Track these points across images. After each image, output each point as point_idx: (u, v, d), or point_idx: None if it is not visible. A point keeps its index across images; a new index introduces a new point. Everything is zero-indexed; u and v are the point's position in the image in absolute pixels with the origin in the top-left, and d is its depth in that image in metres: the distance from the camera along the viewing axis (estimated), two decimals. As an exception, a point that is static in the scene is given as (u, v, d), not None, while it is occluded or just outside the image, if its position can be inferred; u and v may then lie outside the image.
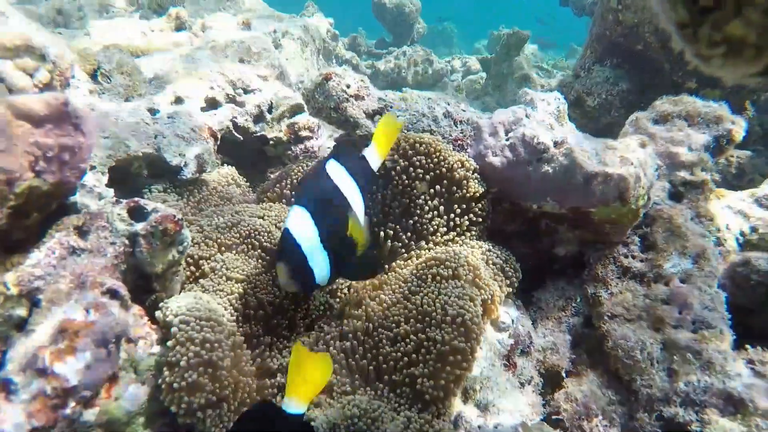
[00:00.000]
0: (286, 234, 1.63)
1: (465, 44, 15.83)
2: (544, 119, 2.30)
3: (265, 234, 2.10)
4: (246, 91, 2.89)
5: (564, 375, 2.28)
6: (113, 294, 1.43)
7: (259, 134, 2.84)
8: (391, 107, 2.36)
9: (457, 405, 1.92)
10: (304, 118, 2.85)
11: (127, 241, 1.63)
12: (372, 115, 2.37)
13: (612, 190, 2.08)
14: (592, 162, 2.08)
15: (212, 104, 2.77)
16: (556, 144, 2.16)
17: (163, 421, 1.68)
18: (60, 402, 1.25)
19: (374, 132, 2.06)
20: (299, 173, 2.40)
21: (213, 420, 1.65)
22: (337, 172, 1.83)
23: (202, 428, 1.69)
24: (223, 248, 2.07)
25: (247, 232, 2.09)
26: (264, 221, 2.14)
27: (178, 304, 1.64)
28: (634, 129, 2.62)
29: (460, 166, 2.21)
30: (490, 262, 2.19)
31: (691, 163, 2.50)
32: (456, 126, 2.34)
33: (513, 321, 2.22)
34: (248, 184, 2.70)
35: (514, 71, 8.90)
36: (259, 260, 2.06)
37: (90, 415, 1.49)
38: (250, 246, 2.09)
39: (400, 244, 2.23)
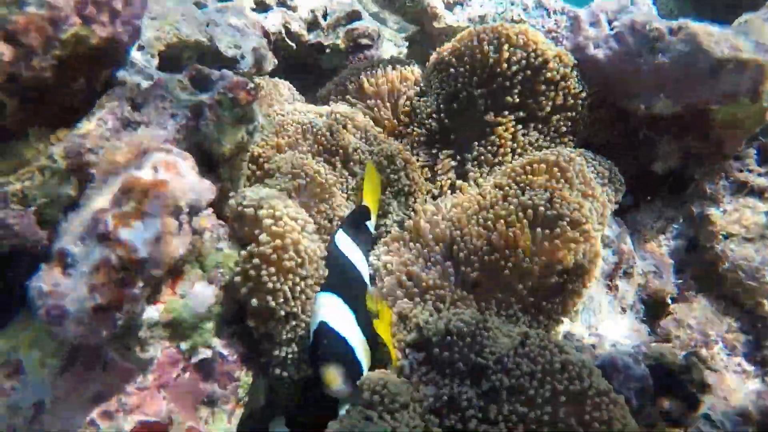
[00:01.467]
0: (326, 329, 1.35)
1: None
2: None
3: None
4: (298, -6, 2.59)
5: (670, 301, 2.01)
6: (182, 158, 1.17)
7: (314, 42, 2.55)
8: (474, -5, 2.06)
9: (565, 323, 1.66)
10: (364, 24, 2.55)
11: (190, 114, 1.37)
12: (452, 6, 2.07)
13: (745, 80, 1.77)
14: (720, 47, 1.77)
15: (262, 6, 2.48)
16: (672, 31, 1.85)
17: (233, 330, 1.44)
18: (127, 277, 1.00)
19: (363, 188, 1.82)
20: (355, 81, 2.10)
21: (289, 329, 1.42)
22: (346, 245, 1.61)
23: (278, 340, 1.45)
24: (284, 148, 1.81)
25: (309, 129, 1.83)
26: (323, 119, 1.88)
27: (256, 192, 1.38)
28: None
29: (558, 62, 1.90)
30: (595, 171, 1.90)
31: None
32: (549, 16, 2.03)
33: (616, 237, 1.94)
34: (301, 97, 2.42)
35: None
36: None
37: (154, 311, 1.25)
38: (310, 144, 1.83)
39: (473, 157, 1.94)
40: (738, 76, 1.77)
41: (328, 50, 2.55)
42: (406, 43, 2.39)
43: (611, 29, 1.92)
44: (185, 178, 1.07)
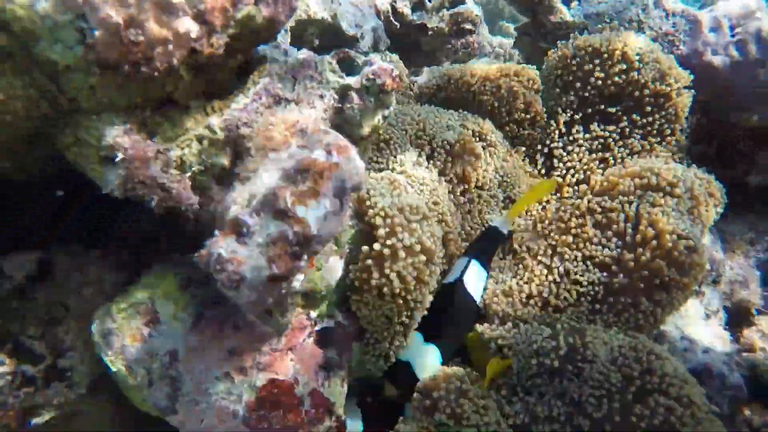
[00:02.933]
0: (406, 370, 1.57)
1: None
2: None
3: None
4: (404, -27, 2.63)
5: (755, 312, 2.04)
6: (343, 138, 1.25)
7: (417, 23, 2.59)
8: (592, -8, 2.07)
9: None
10: (468, 8, 2.58)
11: (336, 96, 1.44)
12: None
13: None
14: None
15: (370, -16, 2.52)
16: (796, 45, 1.85)
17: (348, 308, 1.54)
18: (299, 250, 1.09)
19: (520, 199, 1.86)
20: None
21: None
22: (473, 280, 1.67)
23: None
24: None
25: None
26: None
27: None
28: None
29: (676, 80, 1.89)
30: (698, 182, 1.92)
31: None
32: (668, 18, 2.03)
33: (710, 245, 1.97)
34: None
35: None
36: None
37: (297, 281, 1.34)
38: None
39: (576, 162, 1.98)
40: None
41: (430, 32, 2.59)
42: (514, 34, 2.41)
43: (733, 35, 1.92)
44: (354, 162, 1.14)
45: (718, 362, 1.64)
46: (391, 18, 2.54)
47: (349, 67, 1.48)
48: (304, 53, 1.56)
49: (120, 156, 1.25)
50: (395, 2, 2.53)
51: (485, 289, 1.71)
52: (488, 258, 1.72)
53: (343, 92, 1.44)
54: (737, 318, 2.05)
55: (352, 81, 1.43)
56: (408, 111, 1.89)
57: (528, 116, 1.98)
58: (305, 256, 1.12)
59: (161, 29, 1.14)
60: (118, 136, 1.25)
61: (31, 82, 1.21)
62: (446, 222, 1.70)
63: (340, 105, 1.45)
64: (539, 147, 2.03)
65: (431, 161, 1.82)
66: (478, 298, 1.67)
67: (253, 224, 1.10)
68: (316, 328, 1.47)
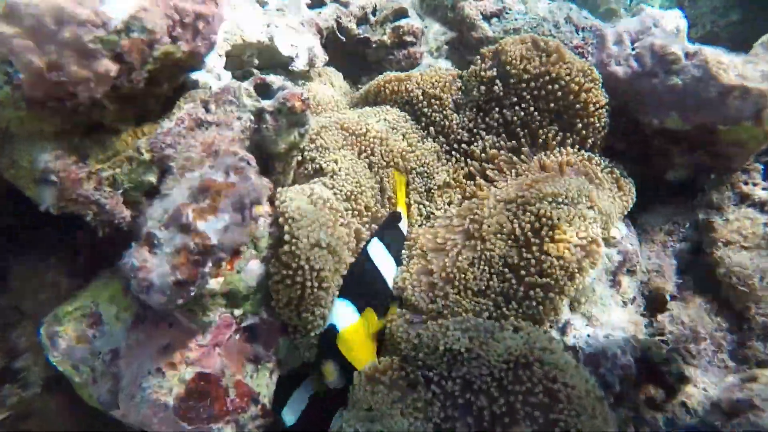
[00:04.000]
0: (332, 332, 1.68)
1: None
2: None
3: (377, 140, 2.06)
4: (350, -9, 2.80)
5: (669, 298, 2.21)
6: (244, 160, 1.42)
7: (362, 36, 2.76)
8: (510, 10, 2.24)
9: (566, 313, 1.88)
10: (409, 23, 2.75)
11: (252, 117, 1.61)
12: (489, 17, 2.26)
13: (749, 106, 1.94)
14: (728, 75, 1.94)
15: (317, 2, 2.69)
16: (687, 55, 2.02)
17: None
18: (200, 259, 1.26)
19: (395, 194, 2.07)
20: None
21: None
22: (379, 253, 1.85)
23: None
24: (333, 147, 2.03)
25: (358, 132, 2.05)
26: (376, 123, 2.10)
27: (292, 198, 1.63)
28: (766, 50, 2.42)
29: (583, 75, 2.09)
30: (609, 176, 2.09)
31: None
32: (578, 33, 2.21)
33: (623, 238, 2.14)
34: (347, 86, 2.65)
35: (599, 4, 8.45)
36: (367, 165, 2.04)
37: (215, 283, 1.51)
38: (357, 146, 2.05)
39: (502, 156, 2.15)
40: (742, 102, 1.93)
41: (374, 45, 2.76)
42: (445, 46, 2.59)
43: (633, 49, 2.09)
44: (249, 181, 1.32)
45: (614, 346, 1.81)
46: (337, 32, 2.71)
47: (265, 91, 1.65)
48: (222, 73, 1.74)
49: (52, 178, 1.42)
50: (340, 18, 2.70)
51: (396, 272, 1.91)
52: (392, 237, 1.91)
53: (259, 114, 1.61)
54: (653, 304, 2.21)
55: (267, 104, 1.61)
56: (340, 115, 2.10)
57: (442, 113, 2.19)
58: (209, 263, 1.30)
59: (81, 70, 1.31)
60: (50, 161, 1.43)
61: (-32, 116, 1.38)
62: (367, 207, 1.91)
63: (256, 126, 1.62)
64: (455, 143, 2.21)
65: (361, 155, 2.00)
66: (384, 267, 1.84)
67: (162, 237, 1.28)
68: (242, 324, 1.65)
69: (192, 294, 1.31)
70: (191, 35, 1.52)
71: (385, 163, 2.04)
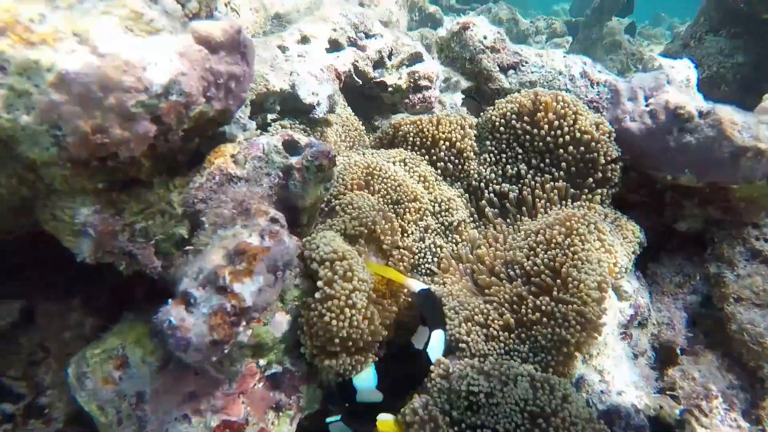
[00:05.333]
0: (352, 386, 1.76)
1: (542, 5, 15.45)
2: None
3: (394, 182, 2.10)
4: (367, 36, 2.86)
5: (679, 352, 2.24)
6: (277, 222, 1.47)
7: (378, 80, 2.83)
8: (527, 63, 2.30)
9: (579, 366, 1.92)
10: (425, 67, 2.81)
11: (281, 174, 1.66)
12: (506, 69, 2.32)
13: (762, 166, 1.99)
14: (742, 136, 1.99)
15: (335, 46, 2.76)
16: (701, 114, 2.07)
17: (298, 352, 1.74)
18: (236, 320, 1.30)
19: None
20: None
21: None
22: (436, 344, 1.84)
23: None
24: (352, 187, 2.07)
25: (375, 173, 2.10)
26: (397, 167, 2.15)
27: (325, 243, 1.67)
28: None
29: (596, 129, 2.14)
30: (618, 228, 2.14)
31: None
32: (592, 87, 2.27)
33: (634, 291, 2.18)
34: (363, 128, 2.71)
35: (604, 37, 8.57)
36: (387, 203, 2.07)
37: (244, 336, 1.55)
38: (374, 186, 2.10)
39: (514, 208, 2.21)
40: (756, 163, 1.98)
41: (390, 89, 2.82)
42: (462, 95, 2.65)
43: (647, 105, 2.15)
44: (284, 245, 1.36)
45: (627, 404, 1.84)
46: (354, 76, 2.78)
47: (292, 149, 1.70)
48: (248, 123, 1.80)
49: (90, 232, 1.47)
50: (357, 62, 2.76)
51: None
52: (443, 323, 1.91)
53: (287, 171, 1.66)
54: (663, 357, 2.25)
55: (294, 161, 1.66)
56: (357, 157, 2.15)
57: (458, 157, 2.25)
58: (243, 323, 1.34)
59: (124, 132, 1.36)
60: (89, 215, 1.48)
61: (13, 173, 1.43)
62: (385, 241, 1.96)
63: (284, 181, 1.67)
64: (470, 187, 2.26)
65: (375, 195, 2.05)
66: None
67: (199, 297, 1.32)
68: (266, 374, 1.68)
69: (225, 352, 1.34)
70: (224, 94, 1.58)
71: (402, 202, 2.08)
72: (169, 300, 1.37)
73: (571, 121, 2.14)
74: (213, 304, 1.29)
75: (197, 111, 1.51)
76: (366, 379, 1.76)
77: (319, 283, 1.65)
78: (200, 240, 1.51)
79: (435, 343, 1.80)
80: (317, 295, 1.64)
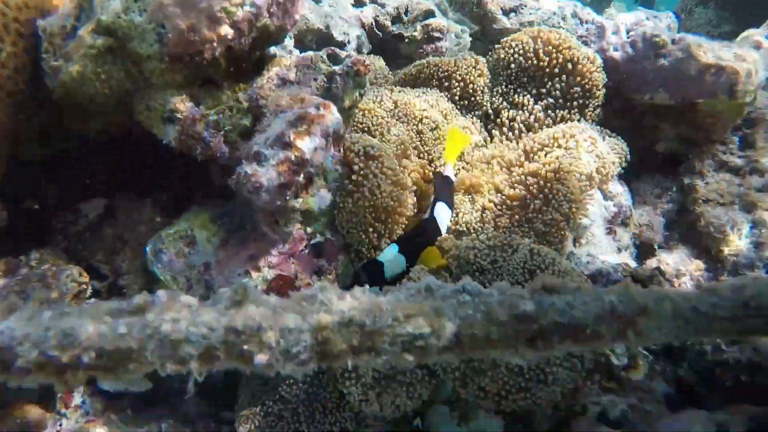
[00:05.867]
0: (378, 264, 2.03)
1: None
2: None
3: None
4: (386, -7, 3.27)
5: (656, 247, 2.63)
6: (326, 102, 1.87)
7: (396, 32, 3.23)
8: (525, 6, 2.69)
9: (570, 247, 2.31)
10: (436, 21, 3.21)
11: (326, 79, 2.07)
12: (508, 12, 2.72)
13: (723, 82, 2.37)
14: (706, 56, 2.38)
15: (359, 3, 3.17)
16: (674, 41, 2.46)
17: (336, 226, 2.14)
18: (298, 168, 1.71)
19: (445, 148, 2.43)
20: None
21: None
22: (442, 213, 2.19)
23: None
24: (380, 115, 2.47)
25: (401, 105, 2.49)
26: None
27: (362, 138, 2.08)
28: (746, 43, 2.86)
29: (587, 59, 2.52)
30: (606, 139, 2.53)
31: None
32: (582, 25, 2.66)
33: (618, 194, 2.56)
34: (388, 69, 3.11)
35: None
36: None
37: (296, 202, 1.96)
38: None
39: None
40: (717, 78, 2.37)
41: (406, 40, 3.23)
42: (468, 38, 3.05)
43: (628, 37, 2.54)
44: (334, 115, 1.77)
45: (608, 268, 2.23)
46: (375, 29, 3.18)
47: (334, 60, 2.10)
48: (293, 50, 2.19)
49: (178, 115, 1.88)
50: (378, 17, 3.17)
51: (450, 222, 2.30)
52: (450, 200, 2.28)
53: (330, 76, 2.06)
54: (643, 252, 2.64)
55: (337, 68, 2.06)
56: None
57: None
58: (302, 173, 1.74)
59: (210, 32, 1.77)
60: (177, 103, 1.89)
61: (122, 68, 1.85)
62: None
63: (328, 85, 2.07)
64: (484, 116, 2.66)
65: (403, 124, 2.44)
66: (444, 230, 2.24)
67: (268, 153, 1.73)
68: (312, 242, 2.08)
69: (288, 198, 1.75)
70: (282, 13, 1.98)
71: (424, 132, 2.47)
72: (243, 161, 1.78)
73: (567, 53, 2.53)
74: (280, 156, 1.70)
75: (263, 23, 1.92)
76: (390, 253, 2.13)
77: (355, 167, 2.04)
78: (263, 123, 1.92)
79: (440, 210, 2.17)
80: (353, 177, 2.04)
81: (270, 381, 2.07)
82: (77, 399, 2.45)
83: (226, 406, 2.49)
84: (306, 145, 1.71)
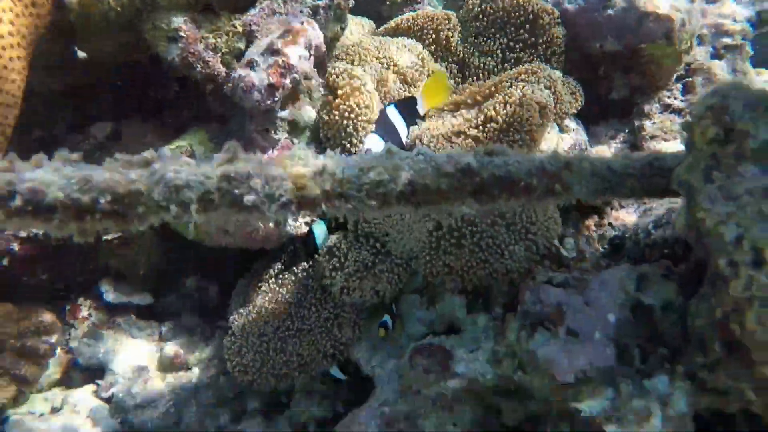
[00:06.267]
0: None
1: None
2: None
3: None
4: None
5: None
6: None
7: (378, -5, 3.55)
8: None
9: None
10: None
11: (311, 11, 2.36)
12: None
13: (660, 27, 2.69)
14: (646, 4, 2.69)
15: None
16: (620, -6, 2.78)
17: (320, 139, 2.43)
18: (285, 71, 2.00)
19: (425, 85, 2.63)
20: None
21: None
22: (394, 115, 2.38)
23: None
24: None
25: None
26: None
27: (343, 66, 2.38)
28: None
29: (546, 13, 2.84)
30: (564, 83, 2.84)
31: (734, 31, 3.07)
32: (540, -18, 2.97)
33: (574, 130, 2.86)
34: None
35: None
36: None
37: (284, 113, 2.24)
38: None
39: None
40: (655, 24, 2.68)
41: (388, 2, 3.54)
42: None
43: (581, -9, 2.85)
44: (316, 30, 2.07)
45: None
46: (357, -9, 3.49)
47: (319, -6, 2.40)
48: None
49: (181, 34, 2.17)
50: (362, -20, 3.47)
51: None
52: (406, 110, 2.54)
53: (315, 9, 2.36)
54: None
55: (321, 3, 2.36)
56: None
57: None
58: (288, 78, 2.03)
59: (209, -41, 2.07)
60: (180, 23, 2.18)
61: (133, -10, 2.14)
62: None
63: (313, 17, 2.37)
64: (456, 63, 2.96)
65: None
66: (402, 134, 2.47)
67: (259, 59, 2.02)
68: (298, 154, 2.36)
69: (277, 99, 2.03)
70: (272, -50, 2.28)
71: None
72: (237, 68, 2.07)
73: (528, 7, 2.85)
74: (269, 61, 1.99)
75: (254, -43, 2.22)
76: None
77: (336, 86, 2.33)
78: (256, 43, 2.21)
79: (392, 113, 2.38)
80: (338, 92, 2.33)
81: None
82: (84, 311, 2.71)
83: (221, 318, 2.76)
84: (292, 51, 2.00)
